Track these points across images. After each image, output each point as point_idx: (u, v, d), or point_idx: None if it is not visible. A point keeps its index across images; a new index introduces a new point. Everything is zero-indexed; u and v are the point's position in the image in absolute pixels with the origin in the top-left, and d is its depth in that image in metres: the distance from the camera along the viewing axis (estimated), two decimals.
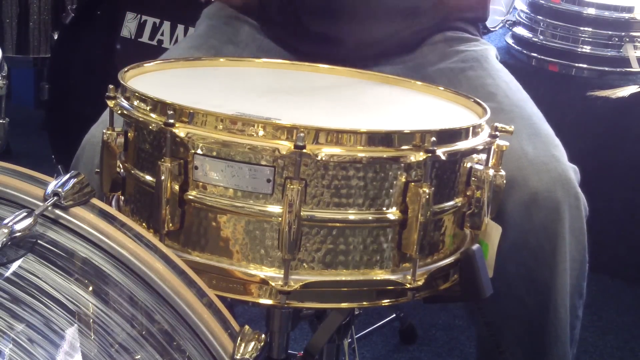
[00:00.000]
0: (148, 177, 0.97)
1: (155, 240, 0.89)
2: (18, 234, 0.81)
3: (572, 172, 1.24)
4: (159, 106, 0.94)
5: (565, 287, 1.23)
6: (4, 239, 0.79)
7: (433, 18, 1.44)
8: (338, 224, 0.92)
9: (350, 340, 1.20)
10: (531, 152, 1.23)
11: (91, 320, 0.79)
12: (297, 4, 1.43)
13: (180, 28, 2.21)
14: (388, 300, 0.97)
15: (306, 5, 1.43)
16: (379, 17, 1.42)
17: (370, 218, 0.93)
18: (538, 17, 2.56)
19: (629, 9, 2.44)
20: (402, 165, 0.92)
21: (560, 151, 1.26)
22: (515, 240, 1.21)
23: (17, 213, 0.83)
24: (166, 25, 2.24)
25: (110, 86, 1.01)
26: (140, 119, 0.96)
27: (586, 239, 1.25)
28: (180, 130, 0.91)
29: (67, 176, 0.88)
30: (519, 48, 2.61)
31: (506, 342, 1.31)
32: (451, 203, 0.99)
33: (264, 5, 1.48)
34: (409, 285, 0.96)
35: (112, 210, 0.91)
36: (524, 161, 1.21)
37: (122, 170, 1.02)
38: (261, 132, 0.89)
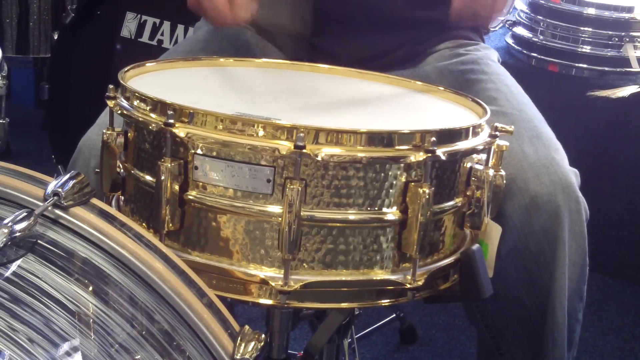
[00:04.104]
0: (148, 177, 0.97)
1: (155, 240, 0.89)
2: (18, 234, 0.81)
3: (573, 175, 1.24)
4: (159, 106, 0.94)
5: (564, 290, 1.23)
6: (4, 239, 0.79)
7: (436, 29, 1.44)
8: (338, 224, 0.92)
9: (350, 340, 1.20)
10: (532, 155, 1.23)
11: (91, 320, 0.79)
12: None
13: (180, 28, 2.21)
14: (388, 300, 0.97)
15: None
16: (382, 30, 1.42)
17: (370, 218, 0.93)
18: (538, 17, 2.56)
19: (629, 9, 2.44)
20: (402, 165, 0.92)
21: (560, 154, 1.26)
22: (515, 243, 1.21)
23: (17, 213, 0.83)
24: (166, 25, 2.24)
25: (110, 86, 1.01)
26: (140, 119, 0.96)
27: (587, 242, 1.25)
28: (180, 130, 0.91)
29: (67, 176, 0.88)
30: (519, 48, 2.61)
31: (506, 344, 1.31)
32: (451, 203, 0.99)
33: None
34: (409, 285, 0.96)
35: (112, 210, 0.91)
36: (524, 164, 1.21)
37: (122, 170, 1.02)
38: (261, 132, 0.89)
